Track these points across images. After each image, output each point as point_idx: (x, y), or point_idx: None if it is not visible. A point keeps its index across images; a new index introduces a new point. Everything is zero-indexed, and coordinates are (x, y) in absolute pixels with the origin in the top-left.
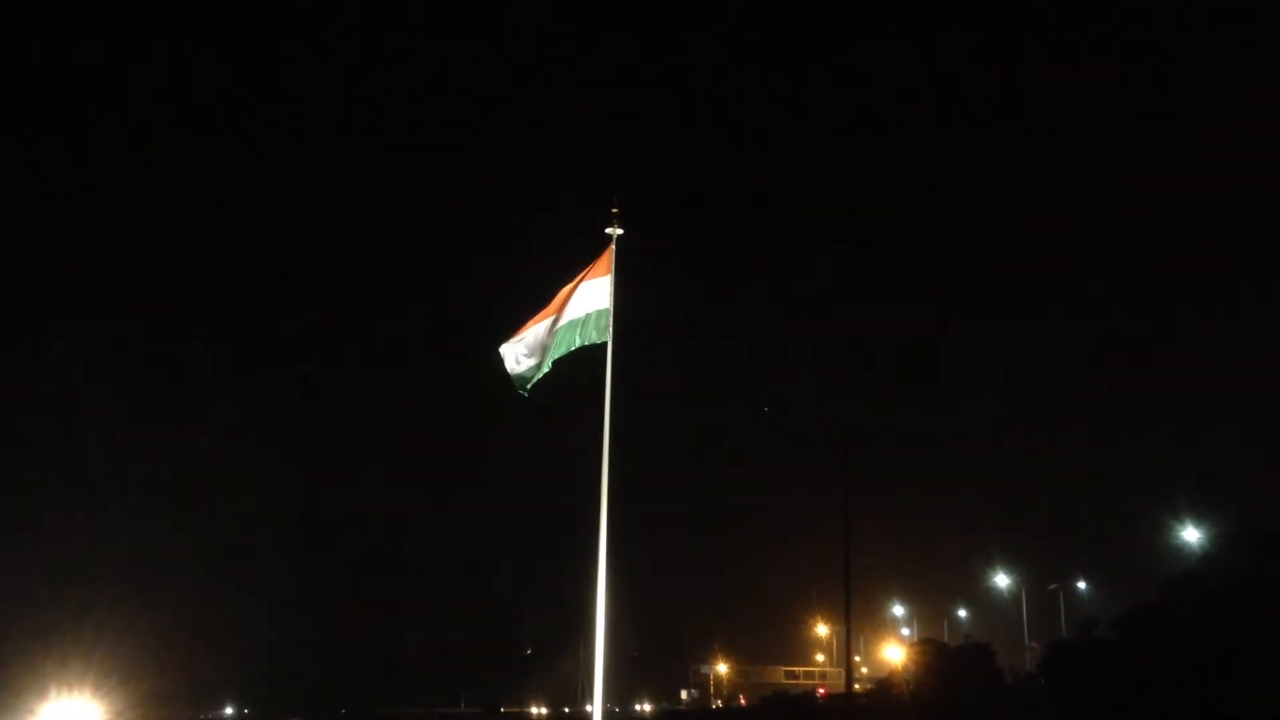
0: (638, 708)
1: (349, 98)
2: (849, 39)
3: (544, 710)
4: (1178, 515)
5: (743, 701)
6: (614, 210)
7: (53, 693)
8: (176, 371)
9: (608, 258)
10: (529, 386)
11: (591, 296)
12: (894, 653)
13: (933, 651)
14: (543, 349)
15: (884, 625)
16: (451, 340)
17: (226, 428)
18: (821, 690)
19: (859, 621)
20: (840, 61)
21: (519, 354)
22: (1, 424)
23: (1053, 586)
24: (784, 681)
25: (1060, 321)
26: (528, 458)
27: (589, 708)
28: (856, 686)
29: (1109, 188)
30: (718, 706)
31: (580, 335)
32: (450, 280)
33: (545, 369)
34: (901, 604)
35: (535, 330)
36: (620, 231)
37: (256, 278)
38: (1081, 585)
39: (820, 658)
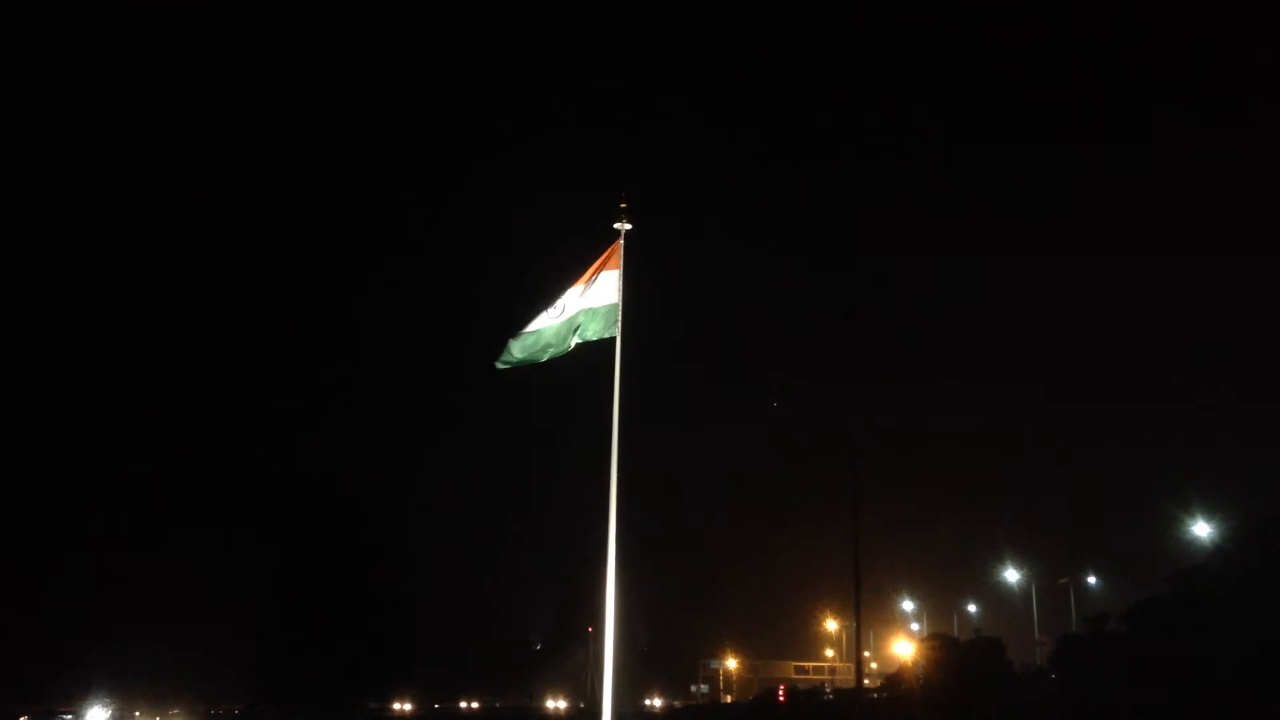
0: (551, 704)
1: (348, 90)
2: (864, 34)
3: (562, 704)
4: (1189, 509)
5: (781, 696)
6: (623, 205)
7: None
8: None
9: (616, 253)
10: (512, 363)
11: (599, 292)
12: (904, 648)
13: (942, 646)
14: (538, 338)
15: (893, 620)
16: (459, 334)
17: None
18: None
19: (868, 616)
20: (858, 58)
21: (523, 345)
22: None
23: (1063, 580)
24: (794, 676)
25: (1067, 320)
26: (538, 451)
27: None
28: (866, 681)
29: (1117, 185)
30: (730, 701)
31: (587, 330)
32: (456, 275)
33: (542, 358)
34: (911, 599)
35: (539, 322)
36: (629, 226)
37: (260, 279)
38: (1092, 579)
39: (830, 653)
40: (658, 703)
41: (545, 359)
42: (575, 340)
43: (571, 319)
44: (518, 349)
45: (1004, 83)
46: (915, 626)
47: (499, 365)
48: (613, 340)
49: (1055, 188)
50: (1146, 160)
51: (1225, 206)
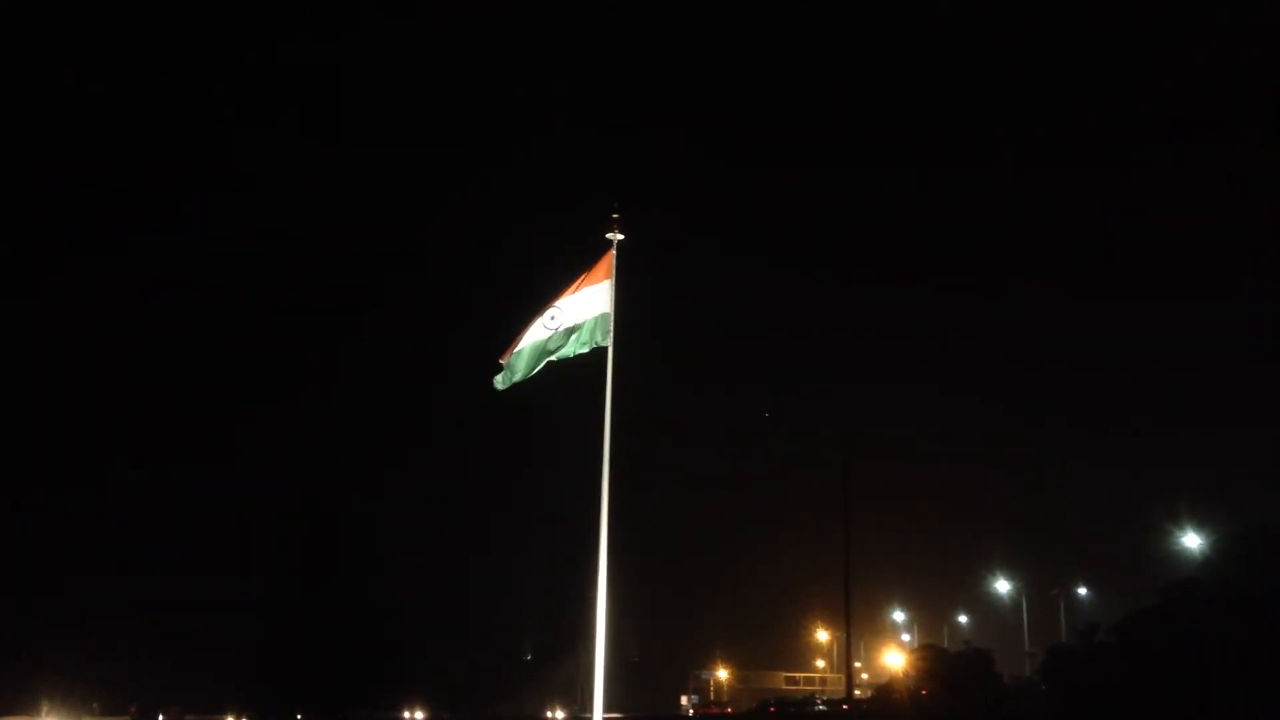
0: (549, 715)
1: (343, 97)
2: (863, 41)
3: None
4: (1178, 520)
5: (729, 710)
6: (614, 215)
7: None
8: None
9: (608, 263)
10: (514, 381)
11: (591, 301)
12: (894, 658)
13: (933, 657)
14: (533, 351)
15: (884, 631)
16: (448, 340)
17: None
18: (730, 710)
19: (859, 627)
20: (855, 64)
21: (509, 357)
22: None
23: (1053, 592)
24: (784, 687)
25: (1060, 326)
26: (529, 461)
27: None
28: (857, 692)
29: (1109, 192)
30: (691, 714)
31: (580, 341)
32: (448, 281)
33: (534, 370)
34: (902, 610)
35: (529, 335)
36: (621, 237)
37: (249, 277)
38: (1082, 590)
39: (820, 663)
40: (560, 715)
41: (538, 369)
42: (568, 351)
43: (564, 330)
44: (514, 368)
45: (1008, 93)
46: (906, 637)
47: (498, 388)
48: (605, 349)
49: (1055, 201)
50: (1150, 176)
51: (1221, 224)
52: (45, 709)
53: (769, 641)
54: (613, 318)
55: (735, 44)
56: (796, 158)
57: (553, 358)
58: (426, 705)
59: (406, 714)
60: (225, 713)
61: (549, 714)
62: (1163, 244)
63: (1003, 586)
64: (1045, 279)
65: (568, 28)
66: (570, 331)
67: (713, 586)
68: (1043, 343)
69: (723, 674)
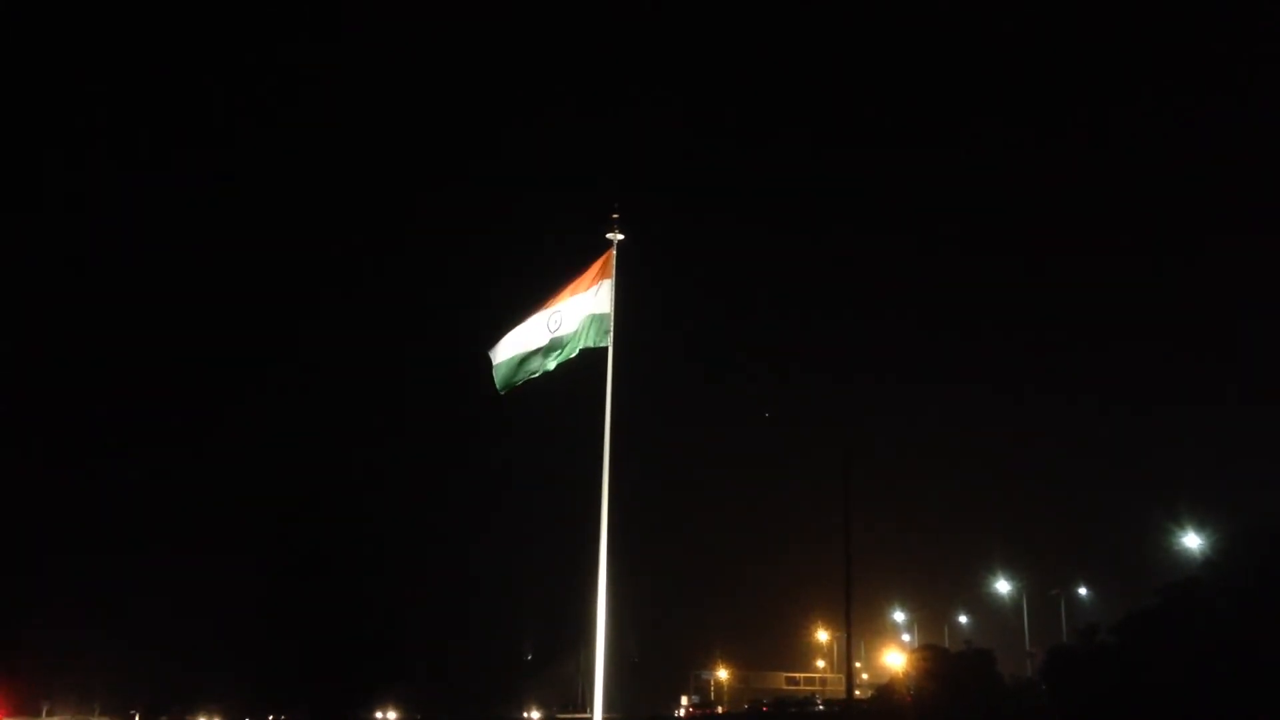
0: (525, 715)
1: (341, 93)
2: (863, 29)
3: (537, 714)
4: (1179, 521)
5: (720, 710)
6: (614, 215)
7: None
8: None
9: (607, 262)
10: (516, 383)
11: (589, 303)
12: (895, 659)
13: (933, 657)
14: (535, 351)
15: (885, 631)
16: (451, 341)
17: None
18: (721, 709)
19: (859, 627)
20: (851, 63)
21: (507, 355)
22: None
23: (1054, 592)
24: (785, 687)
25: (1060, 327)
26: (529, 461)
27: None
28: (857, 692)
29: (1110, 198)
30: (689, 713)
31: (573, 347)
32: (446, 280)
33: (538, 373)
34: (902, 610)
35: (527, 332)
36: (621, 237)
37: (249, 277)
38: (1083, 591)
39: (821, 663)
40: (536, 715)
41: (538, 373)
42: (549, 365)
43: (564, 333)
44: (512, 368)
45: (1006, 72)
46: (907, 637)
47: (500, 390)
48: (605, 349)
49: (1055, 183)
50: (1142, 153)
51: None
52: (46, 709)
53: (769, 642)
54: (613, 317)
55: (734, 41)
56: (796, 156)
57: (534, 375)
58: (407, 706)
59: (379, 714)
60: (226, 713)
61: (524, 714)
62: (1165, 245)
63: (1003, 586)
64: (1046, 278)
65: (567, 24)
66: (557, 346)
67: (713, 586)
68: (1043, 342)
69: (723, 674)
